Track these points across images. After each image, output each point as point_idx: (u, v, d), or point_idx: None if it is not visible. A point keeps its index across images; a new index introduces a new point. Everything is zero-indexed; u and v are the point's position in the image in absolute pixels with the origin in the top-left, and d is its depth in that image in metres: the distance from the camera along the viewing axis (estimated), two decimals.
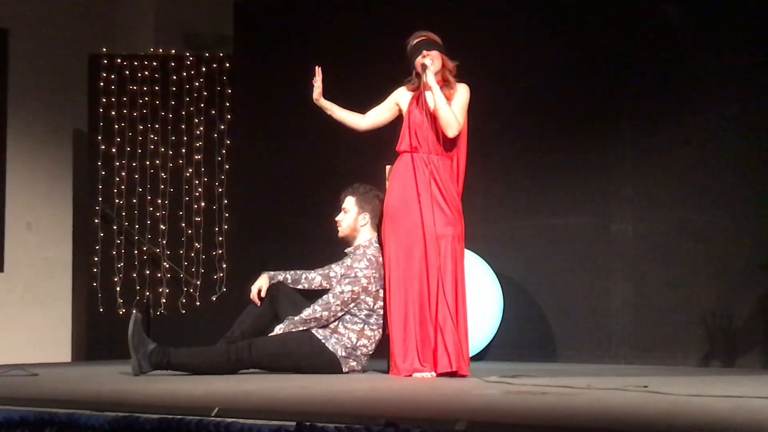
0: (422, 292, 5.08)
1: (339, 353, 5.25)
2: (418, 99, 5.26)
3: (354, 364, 5.28)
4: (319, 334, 5.27)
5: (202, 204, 7.63)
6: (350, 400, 3.83)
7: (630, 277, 6.43)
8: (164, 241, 7.57)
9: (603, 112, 6.61)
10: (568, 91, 6.68)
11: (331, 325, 5.30)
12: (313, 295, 5.40)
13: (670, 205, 6.36)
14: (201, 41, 8.08)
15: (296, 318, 5.29)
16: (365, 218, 5.44)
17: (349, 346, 5.27)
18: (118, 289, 7.49)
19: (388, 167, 5.40)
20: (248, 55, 7.74)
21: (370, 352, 5.36)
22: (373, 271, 5.31)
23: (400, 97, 5.35)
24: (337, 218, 5.49)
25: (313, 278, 5.51)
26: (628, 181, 6.49)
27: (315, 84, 5.35)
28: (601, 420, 3.05)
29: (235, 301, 6.86)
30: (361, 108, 5.45)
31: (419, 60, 5.17)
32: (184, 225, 7.59)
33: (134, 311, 5.33)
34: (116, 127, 7.62)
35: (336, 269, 5.47)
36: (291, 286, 5.48)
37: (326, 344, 5.25)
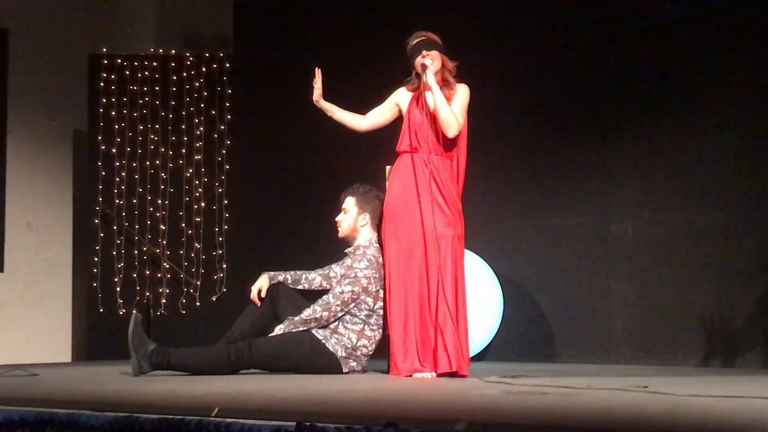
0: (422, 292, 5.08)
1: (339, 353, 5.25)
2: (418, 99, 5.26)
3: (354, 364, 5.28)
4: (319, 334, 5.27)
5: (202, 204, 7.63)
6: (350, 400, 3.83)
7: (630, 277, 6.44)
8: (164, 242, 7.57)
9: (603, 112, 6.61)
10: (568, 91, 6.68)
11: (331, 326, 5.30)
12: (313, 296, 5.40)
13: (670, 205, 6.36)
14: (201, 41, 8.07)
15: (296, 318, 5.29)
16: (365, 218, 5.44)
17: (349, 346, 5.27)
18: (118, 289, 7.49)
19: (388, 167, 5.40)
20: (248, 56, 7.74)
21: (370, 353, 5.36)
22: (373, 271, 5.31)
23: (400, 98, 5.36)
24: (337, 218, 5.49)
25: (313, 278, 5.51)
26: (628, 181, 6.49)
27: (315, 85, 5.35)
28: (601, 420, 3.05)
29: (235, 301, 6.86)
30: (362, 109, 5.45)
31: (419, 60, 5.17)
32: (184, 225, 7.59)
33: (134, 311, 5.33)
34: (116, 127, 7.62)
35: (336, 269, 5.48)
36: (291, 286, 5.48)
37: (326, 344, 5.25)
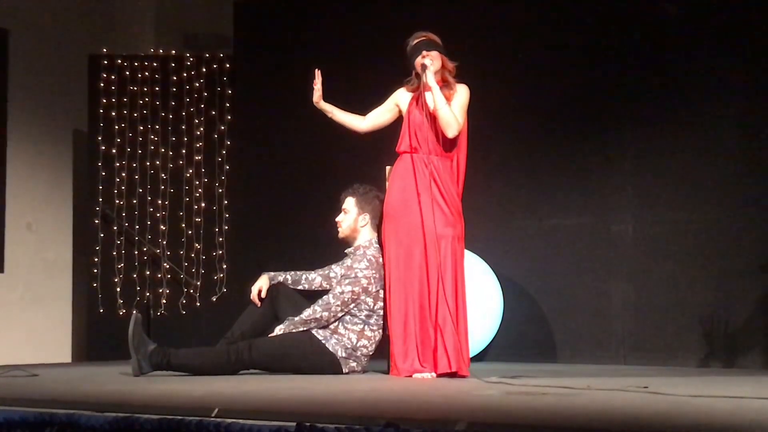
0: (422, 292, 5.08)
1: (339, 354, 5.25)
2: (418, 99, 5.26)
3: (354, 364, 5.28)
4: (319, 334, 5.27)
5: (202, 204, 7.63)
6: (350, 400, 3.83)
7: (630, 277, 6.44)
8: (164, 242, 7.57)
9: (603, 113, 6.61)
10: (568, 91, 6.68)
11: (331, 326, 5.30)
12: (313, 296, 5.40)
13: (670, 206, 6.36)
14: (201, 42, 8.07)
15: (296, 319, 5.29)
16: (365, 219, 5.44)
17: (349, 346, 5.27)
18: (118, 289, 7.49)
19: (388, 168, 5.40)
20: (248, 56, 7.74)
21: (370, 353, 5.36)
22: (374, 271, 5.31)
23: (400, 98, 5.36)
24: (337, 219, 5.49)
25: (313, 279, 5.51)
26: (628, 181, 6.49)
27: (315, 87, 5.35)
28: (601, 421, 3.05)
29: (235, 301, 6.86)
30: (362, 109, 5.45)
31: (419, 60, 5.17)
32: (184, 225, 7.59)
33: (134, 312, 5.32)
34: (116, 127, 7.62)
35: (336, 270, 5.48)
36: (291, 286, 5.48)
37: (326, 345, 5.25)
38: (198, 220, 7.61)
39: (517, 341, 6.68)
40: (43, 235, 7.71)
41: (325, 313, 5.27)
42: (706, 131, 6.28)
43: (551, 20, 6.77)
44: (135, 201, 7.58)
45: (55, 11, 7.84)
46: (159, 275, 7.54)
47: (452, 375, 4.95)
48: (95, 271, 7.50)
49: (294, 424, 2.99)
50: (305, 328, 5.28)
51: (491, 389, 4.20)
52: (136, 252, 7.56)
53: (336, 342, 5.26)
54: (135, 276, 7.52)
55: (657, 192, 6.42)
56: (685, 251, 6.30)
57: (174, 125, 7.66)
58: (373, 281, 5.30)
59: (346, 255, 5.49)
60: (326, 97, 5.41)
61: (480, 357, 6.56)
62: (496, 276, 6.54)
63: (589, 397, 3.75)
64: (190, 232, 7.58)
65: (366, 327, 5.30)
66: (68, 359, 7.73)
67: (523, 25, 6.86)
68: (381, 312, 5.32)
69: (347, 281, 5.30)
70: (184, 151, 7.64)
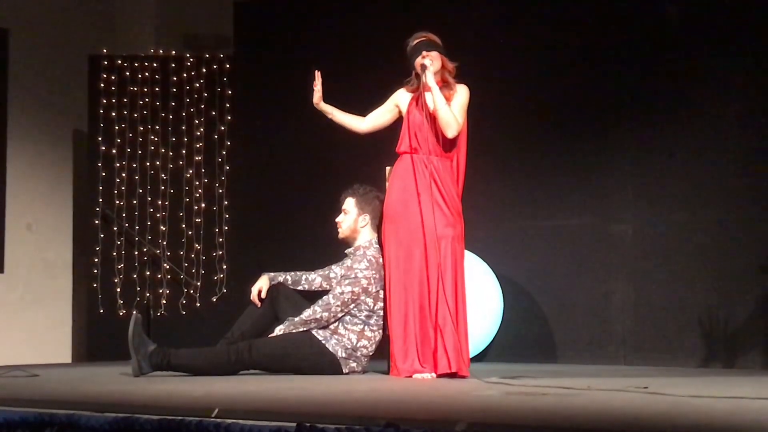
0: (422, 292, 5.08)
1: (339, 354, 5.25)
2: (418, 100, 5.26)
3: (354, 365, 5.28)
4: (319, 335, 5.27)
5: (203, 205, 7.63)
6: (350, 401, 3.83)
7: (630, 277, 6.44)
8: (164, 242, 7.57)
9: (603, 113, 6.61)
10: (568, 91, 6.68)
11: (332, 326, 5.30)
12: (313, 296, 5.40)
13: (670, 206, 6.36)
14: (201, 42, 8.07)
15: (296, 319, 5.29)
16: (365, 219, 5.44)
17: (349, 347, 5.27)
18: (118, 290, 7.49)
19: (388, 168, 5.40)
20: (248, 56, 7.74)
21: (371, 353, 5.36)
22: (374, 272, 5.31)
23: (400, 99, 5.36)
24: (337, 219, 5.49)
25: (313, 279, 5.51)
26: (628, 181, 6.49)
27: (315, 88, 5.35)
28: (601, 421, 3.05)
29: (235, 302, 6.85)
30: (362, 109, 5.45)
31: (419, 60, 5.17)
32: (184, 226, 7.59)
33: (134, 312, 5.32)
34: (116, 128, 7.62)
35: (336, 270, 5.47)
36: (291, 287, 5.48)
37: (326, 345, 5.25)
38: (198, 220, 7.61)
39: (517, 341, 6.68)
40: (43, 236, 7.71)
41: (325, 314, 5.27)
42: (706, 131, 6.28)
43: (551, 20, 6.77)
44: (135, 201, 7.58)
45: (55, 11, 7.84)
46: (159, 276, 7.54)
47: (452, 375, 4.95)
48: (95, 271, 7.50)
49: (294, 424, 2.99)
50: (305, 329, 5.28)
51: (491, 389, 4.20)
52: (136, 252, 7.55)
53: (336, 342, 5.26)
54: (135, 276, 7.52)
55: (657, 192, 6.42)
56: (685, 251, 6.30)
57: (174, 125, 7.66)
58: (373, 282, 5.31)
59: (346, 255, 5.49)
60: (326, 98, 5.41)
61: (480, 357, 6.56)
62: (496, 276, 6.53)
63: (589, 398, 3.75)
64: (190, 232, 7.58)
65: (366, 327, 5.31)
66: (68, 359, 7.73)
67: (523, 25, 6.85)
68: (381, 312, 5.32)
69: (347, 282, 5.30)
70: (184, 152, 7.64)
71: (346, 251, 5.50)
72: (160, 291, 7.53)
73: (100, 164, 7.59)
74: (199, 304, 7.53)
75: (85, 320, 7.69)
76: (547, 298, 6.70)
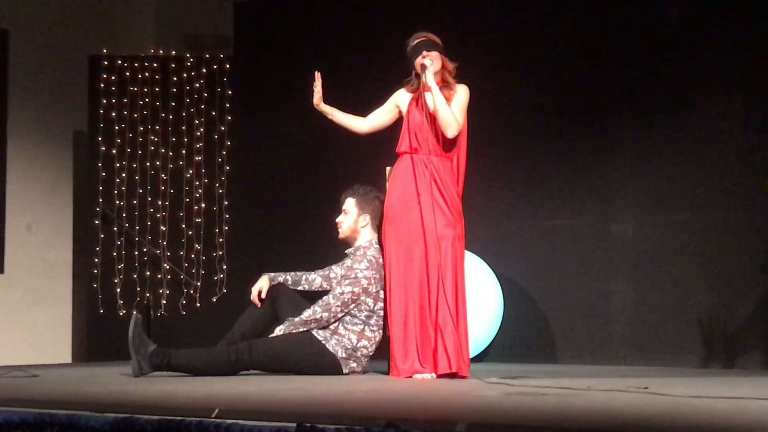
0: (422, 293, 5.08)
1: (339, 354, 5.25)
2: (418, 100, 5.26)
3: (354, 365, 5.28)
4: (319, 335, 5.27)
5: (203, 205, 7.63)
6: (350, 401, 3.83)
7: (630, 277, 6.43)
8: (164, 243, 7.57)
9: (603, 113, 6.61)
10: (568, 91, 6.68)
11: (332, 327, 5.30)
12: (313, 297, 5.40)
13: (670, 206, 6.36)
14: (201, 42, 8.07)
15: (296, 319, 5.29)
16: (365, 219, 5.44)
17: (349, 347, 5.27)
18: (118, 290, 7.48)
19: (388, 168, 5.40)
20: (248, 57, 7.74)
21: (371, 354, 5.36)
22: (374, 272, 5.32)
23: (400, 99, 5.36)
24: (337, 219, 5.49)
25: (313, 279, 5.51)
26: (628, 181, 6.49)
27: (315, 89, 5.36)
28: (601, 421, 3.05)
29: (235, 302, 6.86)
30: (362, 110, 5.45)
31: (419, 60, 5.17)
32: (184, 226, 7.59)
33: (134, 312, 5.32)
34: (116, 128, 7.61)
35: (336, 270, 5.47)
36: (291, 287, 5.48)
37: (326, 345, 5.25)
38: (198, 220, 7.60)
39: (517, 342, 6.68)
40: (44, 236, 7.71)
41: (325, 314, 5.27)
42: (707, 131, 6.27)
43: (552, 20, 6.77)
44: (135, 201, 7.58)
45: (55, 11, 7.84)
46: (159, 276, 7.54)
47: (452, 375, 4.95)
48: (95, 271, 7.50)
49: (294, 424, 3.00)
50: (305, 329, 5.28)
51: (491, 390, 4.20)
52: (137, 253, 7.55)
53: (336, 342, 5.26)
54: (135, 277, 7.52)
55: (657, 192, 6.42)
56: (685, 251, 6.29)
57: (174, 126, 7.65)
58: (373, 282, 5.31)
59: (346, 255, 5.49)
60: (326, 98, 5.41)
61: (480, 357, 6.56)
62: (496, 276, 6.53)
63: (589, 398, 3.75)
64: (190, 232, 7.58)
65: (366, 327, 5.31)
66: (68, 360, 7.73)
67: (523, 25, 6.85)
68: (381, 312, 5.32)
69: (347, 282, 5.30)
70: (184, 152, 7.64)
71: (346, 251, 5.50)
72: (160, 291, 7.53)
73: (100, 164, 7.59)
74: (199, 305, 7.53)
75: (85, 320, 7.69)
76: (547, 298, 6.69)
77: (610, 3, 6.61)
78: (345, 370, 5.25)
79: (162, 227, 7.58)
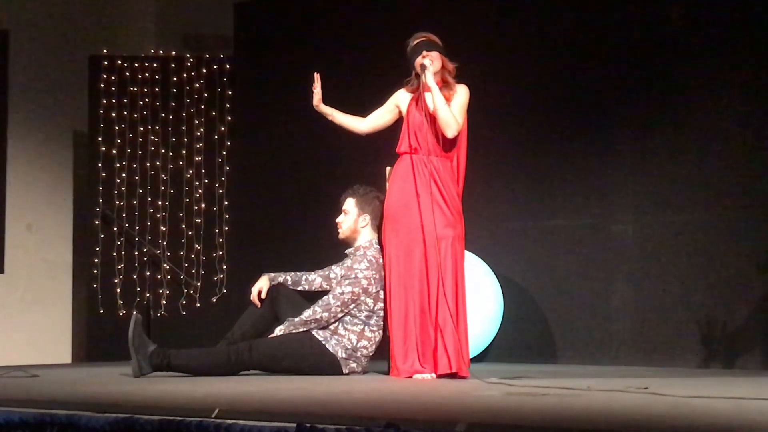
0: (422, 293, 5.08)
1: (339, 354, 5.25)
2: (418, 100, 5.26)
3: (354, 365, 5.29)
4: (319, 335, 5.27)
5: (203, 205, 7.63)
6: (350, 401, 3.83)
7: (630, 278, 6.43)
8: (164, 243, 7.57)
9: (603, 113, 6.61)
10: (568, 91, 6.68)
11: (332, 327, 5.30)
12: (313, 297, 5.40)
13: (670, 206, 6.36)
14: (201, 43, 8.07)
15: (296, 319, 5.29)
16: (365, 219, 5.44)
17: (349, 347, 5.27)
18: (118, 290, 7.49)
19: (388, 169, 5.40)
20: (248, 57, 7.74)
21: (371, 354, 5.36)
22: (374, 272, 5.31)
23: (400, 99, 5.35)
24: (337, 220, 5.49)
25: (313, 279, 5.51)
26: (628, 181, 6.49)
27: (314, 90, 5.35)
28: (601, 421, 3.05)
29: (235, 302, 6.86)
30: (362, 110, 5.45)
31: (419, 60, 5.17)
32: (184, 226, 7.59)
33: (134, 312, 5.32)
34: (117, 128, 7.62)
35: (336, 270, 5.48)
36: (291, 287, 5.48)
37: (326, 345, 5.25)
38: (198, 220, 7.61)
39: (517, 342, 6.68)
40: (44, 236, 7.71)
41: (325, 314, 5.27)
42: (706, 131, 6.27)
43: (552, 20, 6.77)
44: (135, 202, 7.58)
45: (55, 11, 7.84)
46: (159, 276, 7.54)
47: (452, 376, 4.95)
48: (95, 271, 7.50)
49: (294, 424, 3.00)
50: (305, 329, 5.28)
51: (491, 390, 4.20)
52: (136, 253, 7.55)
53: (336, 343, 5.26)
54: (135, 277, 7.52)
55: (657, 192, 6.41)
56: (685, 251, 6.29)
57: (174, 126, 7.66)
58: (373, 282, 5.31)
59: (346, 256, 5.49)
60: (326, 98, 5.40)
61: (480, 358, 6.56)
62: (496, 277, 6.53)
63: (589, 398, 3.75)
64: (190, 232, 7.58)
65: (366, 328, 5.31)
66: (68, 360, 7.73)
67: (523, 25, 6.85)
68: (381, 313, 5.32)
69: (347, 282, 5.30)
70: (184, 152, 7.64)
71: (346, 251, 5.50)
72: (160, 291, 7.53)
73: (100, 164, 7.59)
74: (199, 305, 7.53)
75: (85, 321, 7.69)
76: (547, 298, 6.69)
77: (610, 3, 6.61)
78: (345, 371, 5.25)
79: (162, 227, 7.58)
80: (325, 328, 5.29)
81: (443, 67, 5.20)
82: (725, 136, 6.22)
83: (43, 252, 7.70)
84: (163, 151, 7.63)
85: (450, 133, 5.11)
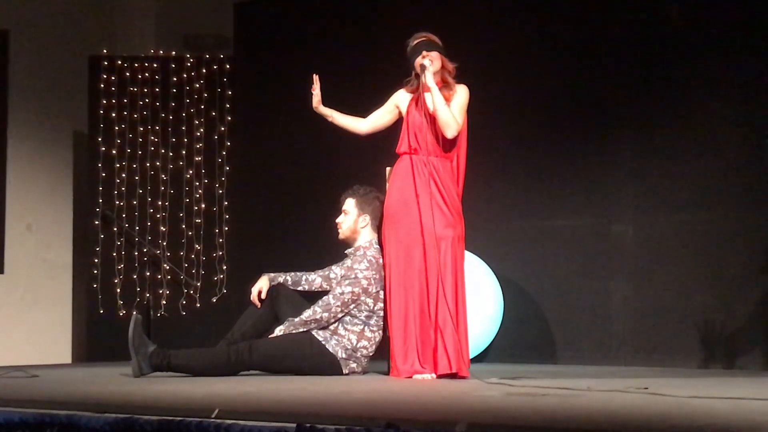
0: (422, 293, 5.08)
1: (339, 355, 5.25)
2: (418, 100, 5.26)
3: (354, 365, 5.28)
4: (319, 335, 5.27)
5: (203, 205, 7.63)
6: (350, 401, 3.83)
7: (630, 278, 6.43)
8: (164, 243, 7.57)
9: (603, 113, 6.61)
10: (568, 91, 6.68)
11: (331, 327, 5.30)
12: (313, 297, 5.41)
13: (670, 206, 6.36)
14: (201, 43, 8.07)
15: (296, 319, 5.29)
16: (365, 220, 5.44)
17: (349, 347, 5.27)
18: (118, 290, 7.49)
19: (388, 169, 5.40)
20: (248, 57, 7.74)
21: (371, 354, 5.36)
22: (374, 272, 5.31)
23: (400, 99, 5.35)
24: (337, 220, 5.49)
25: (313, 280, 5.51)
26: (628, 181, 6.49)
27: (314, 92, 5.35)
28: (601, 422, 3.05)
29: (235, 302, 6.86)
30: (362, 110, 5.45)
31: (419, 60, 5.17)
32: (184, 226, 7.59)
33: (134, 313, 5.32)
34: (116, 128, 7.62)
35: (336, 270, 5.48)
36: (291, 287, 5.48)
37: (326, 346, 5.25)
38: (198, 221, 7.61)
39: (517, 342, 6.68)
40: (43, 236, 7.71)
41: (325, 314, 5.27)
42: (706, 132, 6.27)
43: (552, 20, 6.77)
44: (135, 202, 7.58)
45: (55, 11, 7.84)
46: (159, 276, 7.54)
47: (452, 376, 4.95)
48: (95, 272, 7.50)
49: (294, 425, 3.00)
50: (305, 329, 5.28)
51: (491, 390, 4.20)
52: (136, 253, 7.55)
53: (336, 343, 5.26)
54: (135, 277, 7.52)
55: (657, 192, 6.42)
56: (685, 251, 6.29)
57: (174, 126, 7.66)
58: (373, 282, 5.31)
59: (346, 256, 5.49)
60: (326, 99, 5.40)
61: (480, 358, 6.56)
62: (496, 277, 6.53)
63: (589, 398, 3.75)
64: (190, 233, 7.58)
65: (366, 328, 5.30)
66: (68, 360, 7.73)
67: (523, 25, 6.85)
68: (381, 313, 5.32)
69: (347, 282, 5.30)
70: (184, 152, 7.64)
71: (346, 252, 5.50)
72: (160, 291, 7.53)
73: (100, 165, 7.59)
74: (199, 305, 7.53)
75: (85, 321, 7.69)
76: (547, 298, 6.69)
77: (610, 3, 6.61)
78: (345, 371, 5.25)
79: (162, 227, 7.58)
80: (325, 328, 5.29)
81: (443, 67, 5.20)
82: (725, 136, 6.22)
83: (43, 252, 7.70)
84: (163, 151, 7.63)
85: (450, 134, 5.11)
